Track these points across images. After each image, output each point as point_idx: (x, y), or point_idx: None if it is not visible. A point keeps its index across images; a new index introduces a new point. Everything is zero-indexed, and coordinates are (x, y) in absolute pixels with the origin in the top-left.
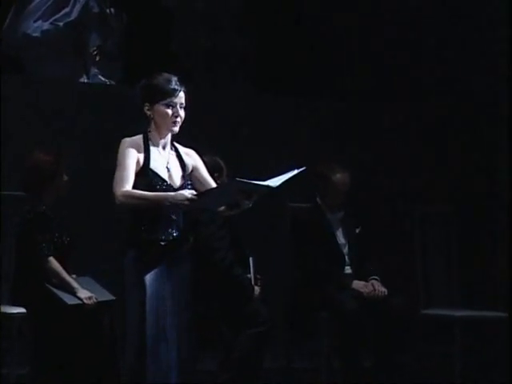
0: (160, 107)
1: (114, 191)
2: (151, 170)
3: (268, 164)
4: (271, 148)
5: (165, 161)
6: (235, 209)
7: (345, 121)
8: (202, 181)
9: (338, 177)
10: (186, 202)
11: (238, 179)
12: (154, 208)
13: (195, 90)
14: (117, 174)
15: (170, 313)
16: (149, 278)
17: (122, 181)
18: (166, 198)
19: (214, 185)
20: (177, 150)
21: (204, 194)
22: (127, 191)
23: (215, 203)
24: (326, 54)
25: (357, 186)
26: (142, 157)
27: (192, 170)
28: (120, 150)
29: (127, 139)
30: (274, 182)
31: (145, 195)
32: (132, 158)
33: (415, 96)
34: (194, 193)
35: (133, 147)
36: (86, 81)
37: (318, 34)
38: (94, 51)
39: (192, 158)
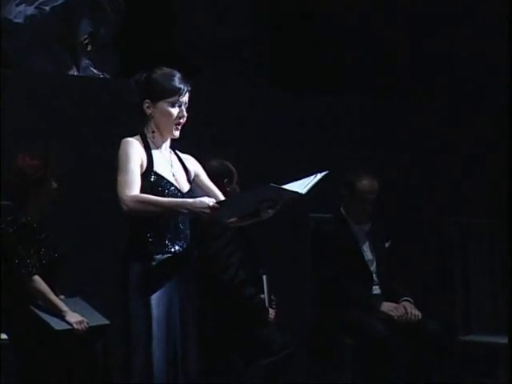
0: (164, 105)
1: (121, 196)
2: (156, 172)
3: (283, 168)
4: (286, 151)
5: (168, 164)
6: (251, 219)
7: (373, 121)
8: (203, 188)
9: (365, 183)
10: (207, 211)
11: (272, 184)
12: (162, 216)
13: (201, 85)
14: (121, 177)
15: (179, 337)
16: (155, 296)
17: (129, 184)
18: (183, 205)
19: (217, 192)
20: (177, 154)
21: (227, 201)
22: (137, 196)
23: (238, 212)
24: (347, 46)
25: (386, 194)
26: (144, 158)
27: (194, 176)
28: (122, 150)
29: (128, 139)
30: (299, 187)
31: (159, 201)
32: (136, 160)
33: (455, 95)
34: (214, 200)
35: (135, 148)
36: (75, 74)
37: (338, 25)
38: (85, 40)
39: (192, 163)
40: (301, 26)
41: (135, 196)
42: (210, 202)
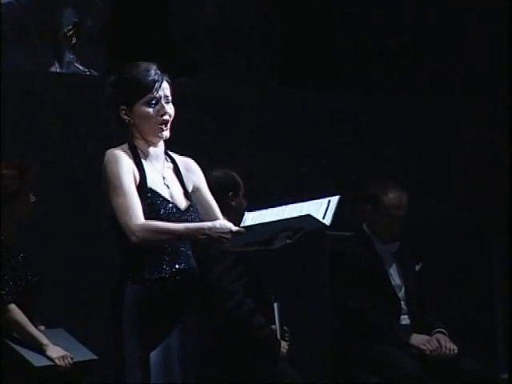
0: (140, 108)
1: (128, 224)
2: (151, 189)
3: (293, 177)
4: (298, 157)
5: (160, 176)
6: (258, 246)
7: (403, 125)
8: (204, 204)
9: (391, 197)
10: (229, 236)
11: (311, 215)
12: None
13: (200, 83)
14: (119, 200)
15: (179, 375)
16: (153, 327)
17: (133, 209)
18: (200, 231)
19: (217, 211)
20: (173, 161)
21: (254, 226)
22: (147, 224)
23: (253, 239)
24: (368, 39)
25: (416, 210)
26: (136, 173)
27: (192, 190)
28: (109, 167)
29: (114, 151)
30: (313, 210)
31: (172, 228)
32: (129, 178)
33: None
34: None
35: (125, 162)
36: (58, 70)
37: (356, 15)
38: (68, 31)
39: (193, 172)
40: (314, 16)
41: (144, 224)
42: (232, 225)
